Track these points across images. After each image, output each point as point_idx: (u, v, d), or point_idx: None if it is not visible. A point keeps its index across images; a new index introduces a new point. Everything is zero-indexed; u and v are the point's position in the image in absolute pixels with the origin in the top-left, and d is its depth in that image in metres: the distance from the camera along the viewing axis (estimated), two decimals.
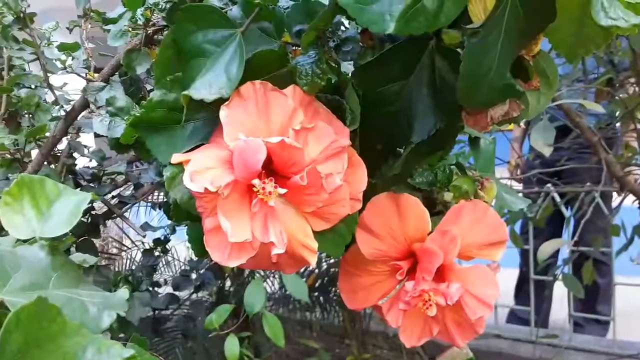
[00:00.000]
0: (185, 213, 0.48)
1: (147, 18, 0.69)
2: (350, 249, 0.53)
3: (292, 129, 0.42)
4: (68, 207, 0.37)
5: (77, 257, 0.42)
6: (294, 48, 0.49)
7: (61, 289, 0.33)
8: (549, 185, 1.61)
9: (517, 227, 1.74)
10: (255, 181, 0.40)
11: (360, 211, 0.50)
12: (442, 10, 0.34)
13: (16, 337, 0.27)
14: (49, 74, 1.04)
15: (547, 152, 0.88)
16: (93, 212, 1.23)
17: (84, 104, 0.86)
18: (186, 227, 0.69)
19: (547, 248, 1.07)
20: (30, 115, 1.03)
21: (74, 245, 1.15)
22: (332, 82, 0.47)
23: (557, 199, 1.68)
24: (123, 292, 0.35)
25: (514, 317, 2.26)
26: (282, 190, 0.41)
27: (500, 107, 0.46)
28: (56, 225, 0.36)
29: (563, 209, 1.74)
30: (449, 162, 0.57)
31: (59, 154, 1.13)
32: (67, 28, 1.20)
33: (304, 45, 0.43)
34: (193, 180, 0.40)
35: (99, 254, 2.22)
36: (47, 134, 1.01)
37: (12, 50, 1.00)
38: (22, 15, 0.95)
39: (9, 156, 1.06)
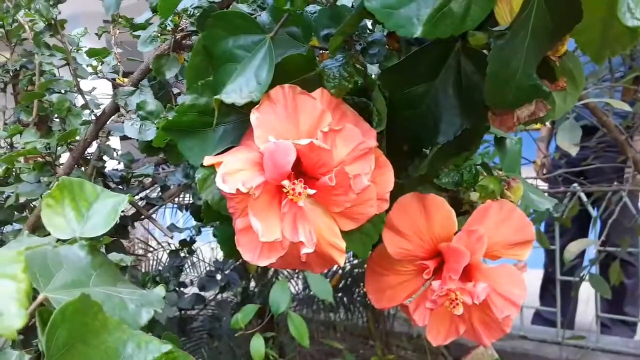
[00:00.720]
0: (216, 214, 0.49)
1: (175, 24, 0.71)
2: (377, 248, 0.54)
3: (320, 131, 0.43)
4: (106, 208, 0.39)
5: (114, 256, 0.43)
6: (321, 52, 0.50)
7: (101, 286, 0.35)
8: (575, 184, 1.60)
9: (542, 226, 1.72)
10: (285, 182, 0.41)
11: (387, 211, 0.51)
12: (469, 13, 0.35)
13: (61, 332, 0.28)
14: (79, 79, 1.07)
15: (573, 151, 0.87)
16: (122, 214, 1.26)
17: (114, 108, 0.88)
18: (212, 228, 0.71)
19: (573, 248, 1.06)
20: (61, 120, 1.05)
21: (104, 246, 1.18)
22: (359, 84, 0.48)
23: (584, 198, 1.66)
24: (160, 289, 0.36)
25: (539, 319, 2.24)
26: (312, 191, 0.42)
27: (526, 108, 0.46)
28: (95, 226, 0.38)
29: (590, 208, 1.72)
30: (474, 162, 0.58)
31: (89, 157, 1.16)
32: (96, 34, 1.23)
33: (331, 49, 0.43)
34: (225, 182, 0.41)
35: (127, 254, 2.25)
36: (78, 138, 1.04)
37: (44, 56, 1.03)
38: (53, 22, 0.97)
39: (40, 159, 1.08)
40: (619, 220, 1.71)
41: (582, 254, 1.68)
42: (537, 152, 1.68)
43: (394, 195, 0.51)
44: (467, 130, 0.48)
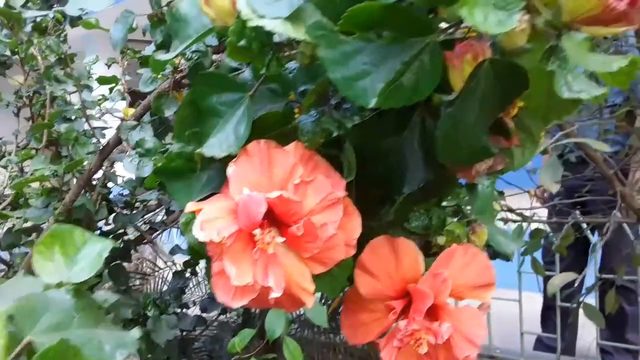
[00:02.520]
0: (200, 254, 0.53)
1: (174, 66, 0.76)
2: (351, 287, 0.57)
3: (292, 183, 0.46)
4: (92, 254, 0.43)
5: (100, 296, 0.47)
6: (299, 105, 0.54)
7: (83, 328, 0.39)
8: (575, 213, 1.62)
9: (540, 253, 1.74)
10: (256, 231, 0.45)
11: (358, 254, 0.55)
12: (418, 87, 0.39)
13: None
14: (88, 110, 1.12)
15: (554, 189, 0.90)
16: (125, 238, 1.30)
17: (118, 141, 0.93)
18: None
19: (556, 281, 1.08)
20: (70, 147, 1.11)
21: (107, 270, 1.22)
22: (333, 136, 0.52)
23: (584, 225, 1.68)
24: (135, 331, 0.40)
25: (541, 345, 2.24)
26: (281, 239, 0.46)
27: (484, 162, 0.50)
28: (81, 271, 0.42)
29: (589, 234, 1.73)
30: (449, 204, 0.62)
31: (95, 183, 1.21)
32: (106, 64, 1.29)
33: (304, 106, 0.48)
34: (202, 230, 0.45)
35: (134, 273, 2.30)
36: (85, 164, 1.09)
37: (54, 86, 1.09)
38: (63, 56, 1.03)
39: (49, 185, 1.14)
40: (618, 246, 1.72)
41: (581, 281, 1.70)
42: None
43: (367, 238, 0.55)
44: (431, 181, 0.51)
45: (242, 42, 0.43)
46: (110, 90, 1.28)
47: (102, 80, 1.34)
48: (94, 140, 1.11)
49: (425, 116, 0.49)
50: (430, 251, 0.59)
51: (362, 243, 0.56)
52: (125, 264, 1.54)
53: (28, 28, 0.98)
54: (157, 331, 1.25)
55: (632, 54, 0.43)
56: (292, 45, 0.46)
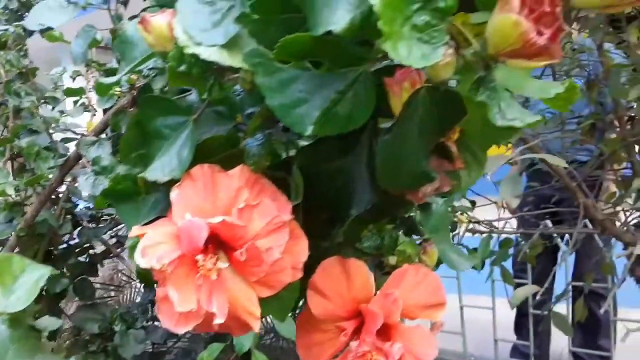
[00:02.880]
0: (148, 278, 0.53)
1: (131, 83, 0.75)
2: (304, 308, 0.57)
3: (236, 208, 0.46)
4: (29, 282, 0.42)
5: (42, 322, 0.46)
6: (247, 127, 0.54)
7: (18, 359, 0.38)
8: (543, 222, 1.64)
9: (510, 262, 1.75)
10: (199, 257, 0.45)
11: (311, 274, 0.55)
12: (353, 116, 0.39)
13: None
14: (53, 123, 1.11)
15: (514, 203, 0.91)
16: (91, 252, 1.29)
17: (78, 156, 0.91)
18: None
19: (520, 293, 1.09)
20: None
21: (72, 285, 1.21)
22: (281, 158, 0.52)
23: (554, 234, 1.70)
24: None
25: (516, 352, 2.26)
26: (223, 265, 0.45)
27: (430, 185, 0.50)
28: (18, 300, 0.41)
29: (560, 242, 1.76)
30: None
31: (60, 196, 1.20)
32: (71, 77, 1.28)
33: (249, 130, 0.47)
34: (143, 256, 0.45)
35: (109, 285, 2.27)
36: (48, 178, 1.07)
37: (15, 100, 1.07)
38: (24, 70, 1.01)
39: (11, 199, 1.12)
40: (589, 255, 1.75)
41: (550, 288, 1.71)
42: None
43: (319, 258, 0.55)
44: (381, 201, 0.51)
45: (182, 68, 0.43)
46: (75, 103, 1.27)
47: (69, 92, 1.33)
48: (58, 153, 1.09)
49: (372, 138, 0.50)
50: (383, 270, 0.59)
51: (314, 263, 0.56)
52: (100, 275, 1.52)
53: None
54: (124, 346, 1.24)
55: (570, 80, 0.44)
56: (235, 69, 0.46)
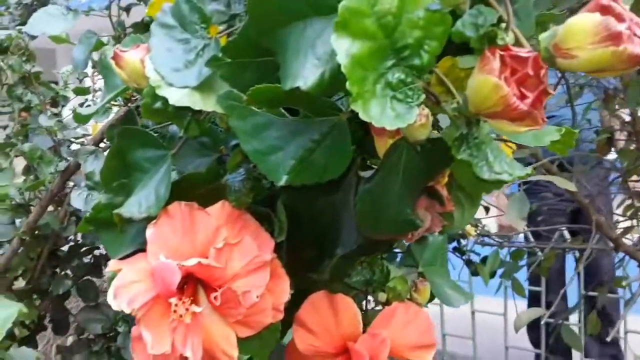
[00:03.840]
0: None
1: (126, 98, 0.73)
2: (290, 342, 0.55)
3: (213, 248, 0.44)
4: None
5: (14, 354, 0.45)
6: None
7: None
8: (559, 232, 1.59)
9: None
10: (172, 300, 0.43)
11: (296, 309, 0.53)
12: (329, 166, 0.37)
13: None
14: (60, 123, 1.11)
15: (520, 226, 0.88)
16: (96, 253, 1.29)
17: (78, 164, 0.91)
18: None
19: (523, 317, 1.06)
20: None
21: (75, 286, 1.21)
22: (265, 193, 0.50)
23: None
24: None
25: None
26: (198, 309, 0.44)
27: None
28: None
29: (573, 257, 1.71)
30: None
31: (64, 199, 1.19)
32: (77, 79, 1.27)
33: (229, 167, 0.46)
34: (115, 297, 0.43)
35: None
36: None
37: (18, 104, 1.07)
38: (27, 75, 1.01)
39: (15, 202, 1.12)
40: (600, 265, 1.70)
41: (564, 297, 1.68)
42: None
43: (307, 292, 0.53)
44: (368, 240, 0.49)
45: (157, 105, 0.41)
46: (81, 104, 1.26)
47: (78, 91, 1.32)
48: (62, 157, 1.09)
49: (360, 177, 0.47)
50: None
51: (301, 297, 0.54)
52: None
53: None
54: (127, 347, 1.23)
55: (567, 127, 0.42)
56: None
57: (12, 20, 1.06)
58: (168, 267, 0.43)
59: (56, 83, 1.40)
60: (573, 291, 1.77)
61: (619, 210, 1.48)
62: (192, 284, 0.46)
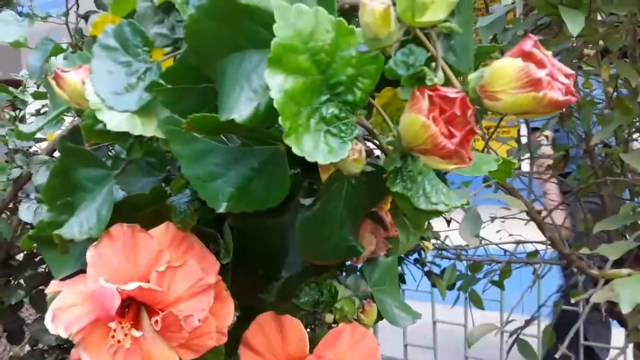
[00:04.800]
0: None
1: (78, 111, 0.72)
2: None
3: (155, 271, 0.44)
4: None
5: None
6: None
7: None
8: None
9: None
10: (112, 324, 0.43)
11: (242, 330, 0.53)
12: (269, 194, 0.37)
13: None
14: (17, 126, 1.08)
15: (473, 242, 0.90)
16: None
17: (30, 174, 0.89)
18: None
19: (476, 332, 1.08)
20: None
21: (28, 296, 1.18)
22: (213, 214, 0.50)
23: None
24: None
25: None
26: (138, 334, 0.43)
27: (367, 249, 0.48)
28: None
29: None
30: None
31: (17, 206, 1.16)
32: (35, 83, 1.24)
33: (174, 188, 0.45)
34: (54, 320, 0.42)
35: None
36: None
37: None
38: None
39: None
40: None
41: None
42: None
43: (254, 312, 0.53)
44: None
45: (100, 126, 0.40)
46: (37, 111, 1.23)
47: (37, 95, 1.29)
48: (15, 165, 1.06)
49: (301, 204, 0.47)
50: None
51: (249, 317, 0.54)
52: None
53: None
54: None
55: (502, 157, 0.42)
56: None
57: None
58: (107, 291, 0.42)
59: (20, 85, 1.37)
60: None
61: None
62: (135, 306, 0.46)
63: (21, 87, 1.36)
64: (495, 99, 0.28)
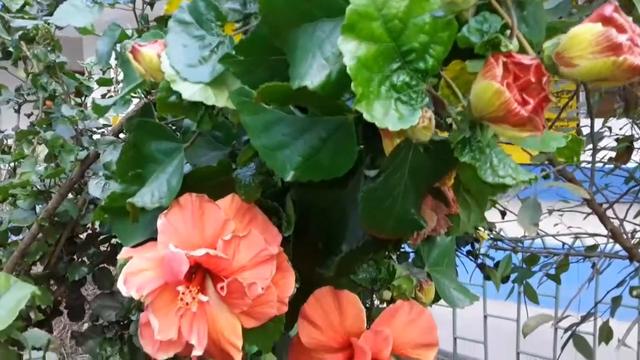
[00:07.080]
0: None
1: (146, 90, 0.75)
2: (295, 335, 0.56)
3: (221, 239, 0.46)
4: (12, 302, 0.43)
5: (29, 336, 0.47)
6: None
7: None
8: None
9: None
10: (180, 288, 0.45)
11: (302, 302, 0.54)
12: (335, 164, 0.37)
13: None
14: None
15: (532, 232, 0.87)
16: (113, 242, 1.31)
17: (97, 154, 0.93)
18: None
19: (532, 322, 1.06)
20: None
21: (91, 273, 1.23)
22: (276, 187, 0.51)
23: None
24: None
25: None
26: (204, 298, 0.45)
27: (428, 225, 0.48)
28: None
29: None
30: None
31: (82, 187, 1.22)
32: (101, 69, 1.29)
33: (240, 161, 0.47)
34: (126, 283, 0.44)
35: None
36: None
37: (42, 94, 1.09)
38: (52, 64, 1.03)
39: (37, 188, 1.14)
40: None
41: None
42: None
43: (313, 286, 0.54)
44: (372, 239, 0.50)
45: (172, 98, 0.42)
46: (103, 95, 1.28)
47: (102, 82, 1.34)
48: (82, 147, 1.11)
49: (365, 176, 0.48)
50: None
51: (308, 290, 0.55)
52: None
53: (16, 36, 0.99)
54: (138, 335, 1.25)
55: (573, 134, 0.42)
56: None
57: (41, 10, 1.08)
58: (177, 256, 0.44)
59: (82, 73, 1.43)
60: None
61: (638, 220, 1.46)
62: (201, 273, 0.48)
63: (86, 74, 1.42)
64: (572, 65, 0.27)
